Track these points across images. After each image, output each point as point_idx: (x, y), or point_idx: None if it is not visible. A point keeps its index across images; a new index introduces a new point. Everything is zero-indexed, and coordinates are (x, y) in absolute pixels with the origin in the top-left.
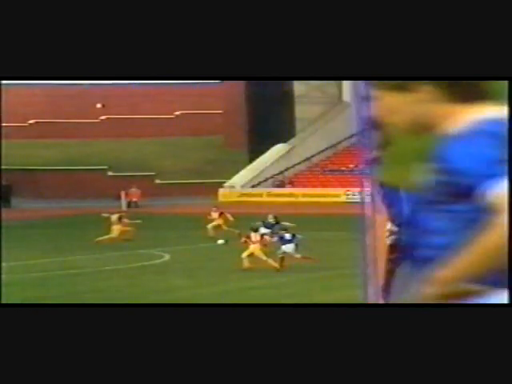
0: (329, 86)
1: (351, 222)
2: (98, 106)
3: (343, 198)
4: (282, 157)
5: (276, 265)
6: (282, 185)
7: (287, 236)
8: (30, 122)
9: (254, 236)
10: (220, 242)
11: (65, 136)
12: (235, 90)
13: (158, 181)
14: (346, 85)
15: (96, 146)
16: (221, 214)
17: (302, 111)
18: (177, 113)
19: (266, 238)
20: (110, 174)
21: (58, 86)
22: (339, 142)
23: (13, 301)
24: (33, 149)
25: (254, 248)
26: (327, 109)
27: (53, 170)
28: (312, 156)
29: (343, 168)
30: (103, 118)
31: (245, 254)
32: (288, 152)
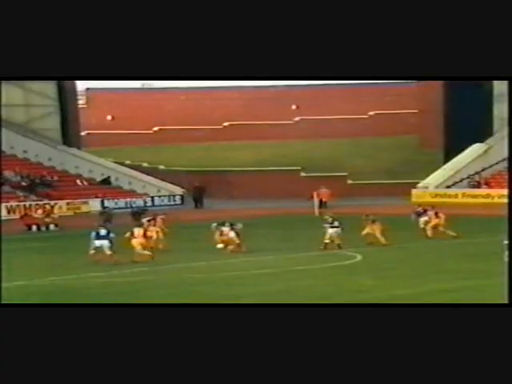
0: None
1: None
2: (293, 107)
3: None
4: (478, 157)
5: (148, 256)
6: (478, 185)
7: (102, 232)
8: (225, 124)
9: (137, 231)
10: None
11: (258, 137)
12: (432, 89)
13: (350, 181)
14: None
15: (289, 147)
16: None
17: (500, 110)
18: (371, 113)
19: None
20: (302, 174)
21: (255, 89)
22: None
23: (203, 300)
24: (226, 151)
25: (134, 241)
26: None
27: (246, 171)
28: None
29: None
30: (297, 119)
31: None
32: (485, 152)
